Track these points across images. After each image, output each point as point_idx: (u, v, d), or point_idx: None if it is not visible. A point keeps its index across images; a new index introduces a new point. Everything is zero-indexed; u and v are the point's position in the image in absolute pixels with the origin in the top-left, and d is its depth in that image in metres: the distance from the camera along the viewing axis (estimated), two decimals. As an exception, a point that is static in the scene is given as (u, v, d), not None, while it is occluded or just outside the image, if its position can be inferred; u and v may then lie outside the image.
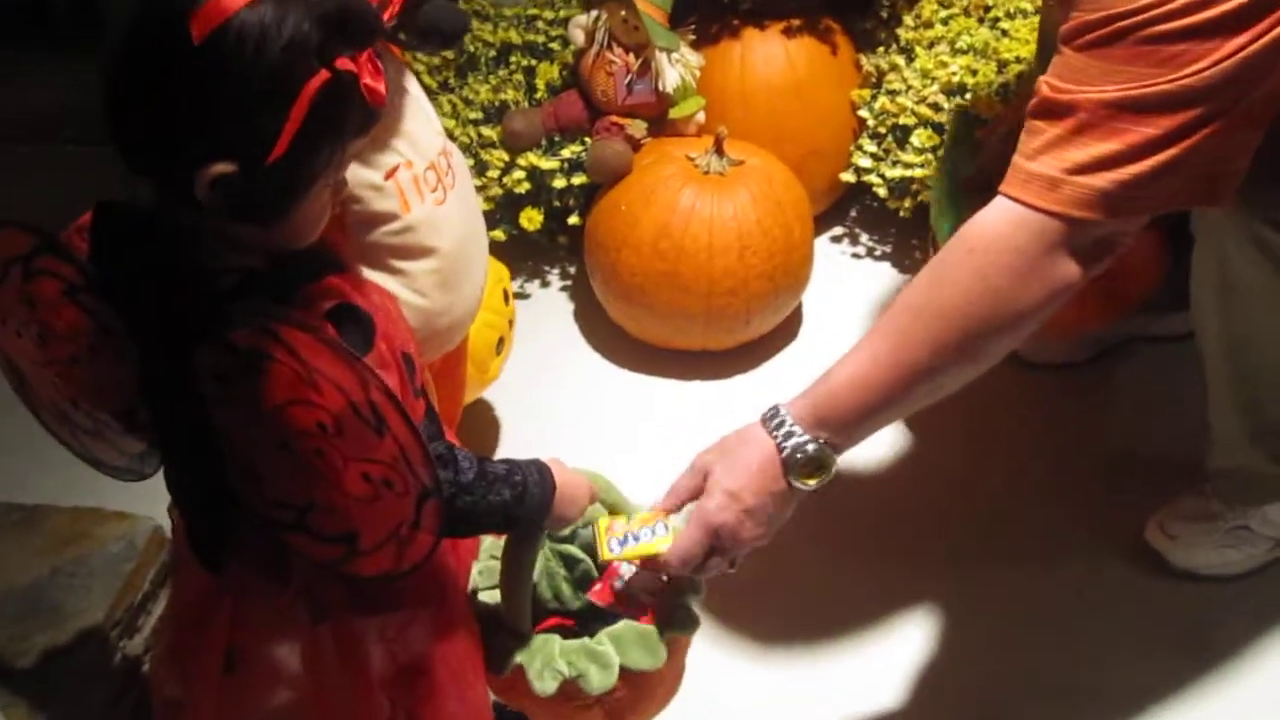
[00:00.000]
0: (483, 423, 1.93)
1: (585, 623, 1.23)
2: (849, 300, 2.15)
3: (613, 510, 1.23)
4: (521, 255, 2.18)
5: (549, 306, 2.18)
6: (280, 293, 0.94)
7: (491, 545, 1.22)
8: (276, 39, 0.87)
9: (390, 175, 1.27)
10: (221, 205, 0.90)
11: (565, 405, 1.98)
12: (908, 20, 2.21)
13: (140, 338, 0.97)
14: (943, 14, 2.18)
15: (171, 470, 1.07)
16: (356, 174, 1.24)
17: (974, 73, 2.05)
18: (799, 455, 1.16)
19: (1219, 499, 1.62)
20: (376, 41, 0.93)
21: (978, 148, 1.75)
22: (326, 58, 0.89)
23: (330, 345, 0.89)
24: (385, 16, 0.95)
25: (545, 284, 2.23)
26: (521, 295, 2.18)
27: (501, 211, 2.08)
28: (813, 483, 1.18)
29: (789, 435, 1.17)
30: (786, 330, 2.09)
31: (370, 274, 1.29)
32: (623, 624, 1.17)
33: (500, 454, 1.89)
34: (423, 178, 1.30)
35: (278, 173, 0.90)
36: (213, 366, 0.91)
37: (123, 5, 0.91)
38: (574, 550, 1.24)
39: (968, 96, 2.03)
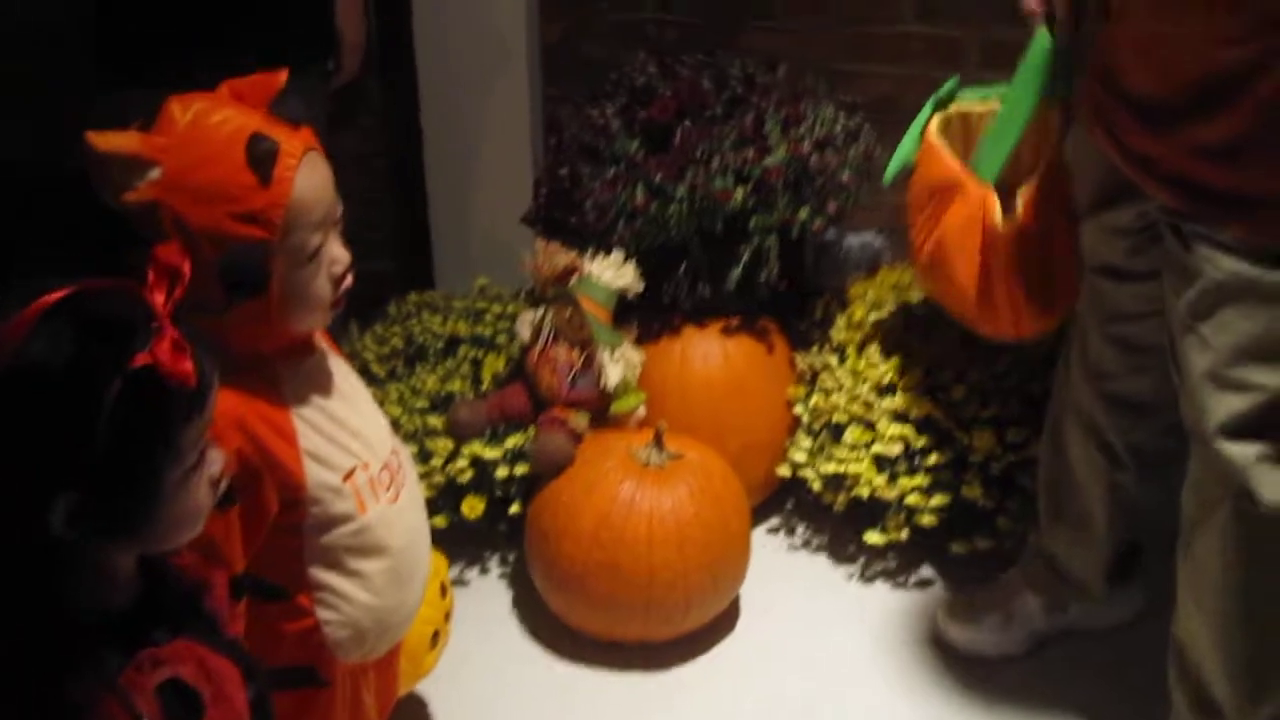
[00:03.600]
0: (415, 716, 1.89)
1: None
2: (787, 591, 2.16)
3: None
4: (461, 542, 2.19)
5: (487, 594, 2.18)
6: (128, 646, 0.95)
7: None
8: (58, 369, 0.89)
9: (348, 478, 1.30)
10: (84, 533, 0.91)
11: (500, 698, 1.95)
12: (840, 322, 2.32)
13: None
14: (873, 316, 2.30)
15: None
16: (316, 476, 1.27)
17: (903, 374, 2.15)
18: None
19: None
20: (152, 336, 0.93)
21: None
22: (119, 362, 0.90)
23: None
24: (178, 294, 0.95)
25: (484, 571, 2.23)
26: (460, 582, 2.18)
27: (443, 499, 2.10)
28: None
29: None
30: (725, 621, 2.09)
31: (325, 575, 1.30)
32: None
33: (433, 749, 1.86)
34: (377, 478, 1.33)
35: (121, 484, 0.92)
36: (43, 705, 0.91)
37: None
38: None
39: (898, 396, 2.12)
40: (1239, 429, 1.44)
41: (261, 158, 1.17)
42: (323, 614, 1.32)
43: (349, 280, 1.29)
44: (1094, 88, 1.56)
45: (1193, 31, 1.37)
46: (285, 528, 1.27)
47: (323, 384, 1.32)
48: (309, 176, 1.21)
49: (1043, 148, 1.74)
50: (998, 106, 1.81)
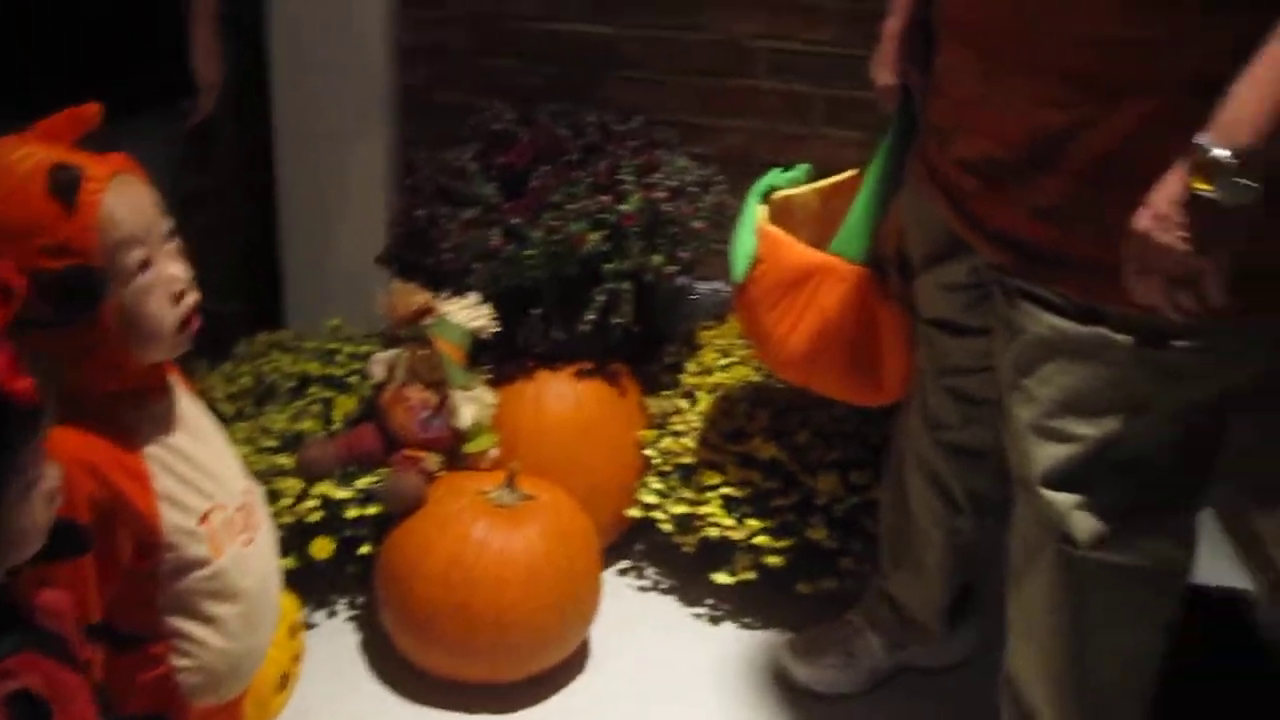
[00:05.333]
0: (261, 761, 1.86)
1: None
2: (636, 633, 2.19)
3: None
4: (309, 584, 2.16)
5: (335, 636, 2.15)
6: None
7: None
8: None
9: (204, 520, 1.29)
10: None
11: (348, 741, 1.93)
12: (690, 367, 2.37)
13: None
14: (722, 362, 2.35)
15: None
16: (171, 520, 1.25)
17: (750, 418, 2.20)
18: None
19: None
20: None
21: None
22: None
23: None
24: (10, 311, 0.95)
25: (333, 614, 2.20)
26: (308, 624, 2.15)
27: (292, 539, 2.07)
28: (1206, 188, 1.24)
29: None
30: (575, 662, 2.11)
31: (179, 621, 1.29)
32: None
33: (278, 795, 1.82)
34: (232, 520, 1.32)
35: None
36: None
37: None
38: None
39: (745, 440, 2.17)
40: (1060, 477, 1.50)
41: (64, 185, 1.14)
42: (177, 661, 1.30)
43: (191, 298, 1.25)
44: (928, 146, 1.63)
45: (1019, 94, 1.44)
46: (140, 574, 1.25)
47: (176, 424, 1.30)
48: (119, 196, 1.18)
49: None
50: (820, 185, 1.90)
